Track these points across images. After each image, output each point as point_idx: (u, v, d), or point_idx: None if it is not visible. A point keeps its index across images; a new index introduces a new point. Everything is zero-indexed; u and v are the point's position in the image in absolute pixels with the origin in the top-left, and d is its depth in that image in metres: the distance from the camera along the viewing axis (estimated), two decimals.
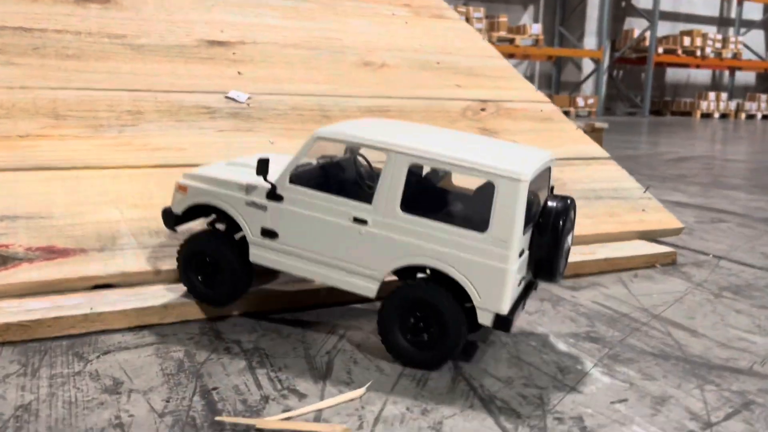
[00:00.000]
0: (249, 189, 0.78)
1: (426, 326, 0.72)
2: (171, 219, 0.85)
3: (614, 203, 1.29)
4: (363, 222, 0.73)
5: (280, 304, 0.88)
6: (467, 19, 5.97)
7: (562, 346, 0.80)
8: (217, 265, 0.81)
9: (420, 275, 0.75)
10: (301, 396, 0.65)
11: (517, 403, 0.66)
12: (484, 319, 0.69)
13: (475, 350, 0.77)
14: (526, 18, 7.19)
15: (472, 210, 0.75)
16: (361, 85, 1.42)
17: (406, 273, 0.75)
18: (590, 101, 6.77)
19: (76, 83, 1.16)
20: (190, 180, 0.84)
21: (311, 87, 1.36)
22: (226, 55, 1.37)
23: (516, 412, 0.64)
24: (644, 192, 1.34)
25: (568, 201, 0.72)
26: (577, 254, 1.11)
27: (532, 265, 0.72)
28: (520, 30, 6.54)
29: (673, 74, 8.12)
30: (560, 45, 7.40)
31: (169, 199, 0.88)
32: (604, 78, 7.33)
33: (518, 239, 0.67)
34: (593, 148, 1.46)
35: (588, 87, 7.51)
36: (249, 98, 1.27)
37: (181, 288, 0.86)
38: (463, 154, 0.70)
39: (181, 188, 0.84)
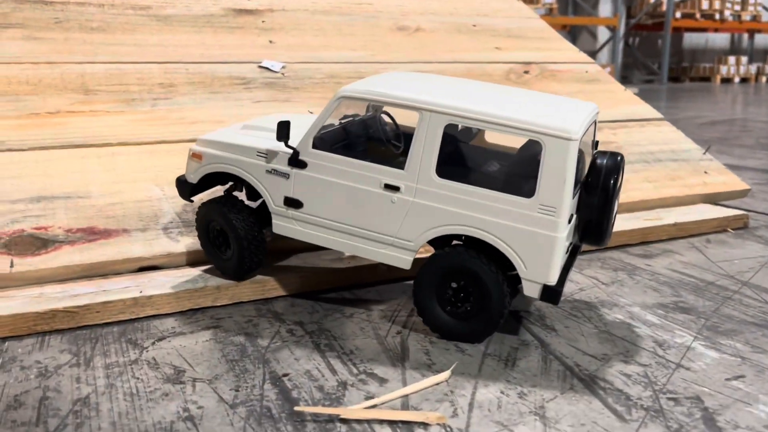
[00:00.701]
0: (270, 155, 0.72)
1: (466, 296, 0.66)
2: (186, 188, 0.79)
3: (675, 165, 1.21)
4: (395, 189, 0.66)
5: (337, 282, 0.82)
6: None
7: (652, 317, 0.73)
8: (226, 235, 0.76)
9: (456, 242, 0.68)
10: (382, 381, 0.60)
11: (622, 382, 0.59)
12: (531, 290, 0.63)
13: (556, 324, 0.71)
14: None
15: (516, 173, 0.68)
16: (397, 50, 1.34)
17: (441, 241, 0.68)
18: (607, 70, 6.61)
19: (103, 57, 1.10)
20: (205, 146, 0.77)
21: (347, 54, 1.28)
22: (255, 24, 1.30)
23: (624, 393, 0.57)
24: (704, 153, 1.26)
25: (618, 158, 0.65)
26: (642, 219, 1.04)
27: (579, 228, 0.66)
28: (533, 0, 6.37)
29: (690, 39, 7.91)
30: (575, 13, 7.22)
31: None
32: (620, 46, 7.15)
33: (569, 204, 0.60)
34: (645, 109, 1.37)
35: (603, 55, 7.33)
36: (283, 67, 1.20)
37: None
38: (506, 111, 0.63)
39: (195, 156, 0.78)
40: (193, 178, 0.78)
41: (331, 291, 0.81)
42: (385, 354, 0.65)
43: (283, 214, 0.73)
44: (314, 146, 0.70)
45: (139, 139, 0.96)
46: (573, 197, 0.62)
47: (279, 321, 0.72)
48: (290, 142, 0.70)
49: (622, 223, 1.02)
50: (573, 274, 0.87)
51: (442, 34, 1.44)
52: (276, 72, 1.18)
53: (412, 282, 0.84)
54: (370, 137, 0.76)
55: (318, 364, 0.63)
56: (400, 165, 0.66)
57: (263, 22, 1.31)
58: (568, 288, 0.82)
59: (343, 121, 0.76)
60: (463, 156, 0.72)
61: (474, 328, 0.66)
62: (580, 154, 0.64)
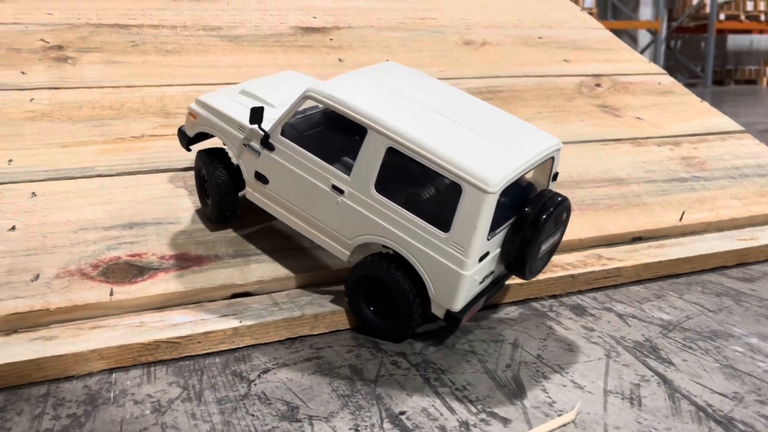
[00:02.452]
0: (247, 131, 0.78)
1: (385, 299, 0.71)
2: (184, 140, 0.88)
3: (763, 181, 1.16)
4: (340, 191, 0.71)
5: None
6: None
7: None
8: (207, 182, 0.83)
9: (387, 250, 0.72)
10: (505, 421, 0.57)
11: (764, 426, 0.56)
12: (437, 310, 0.68)
13: (673, 358, 0.67)
14: None
15: (440, 206, 0.69)
16: (466, 65, 1.32)
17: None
18: None
19: (180, 79, 1.10)
20: (200, 108, 0.84)
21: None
22: (323, 42, 1.29)
23: None
24: None
25: (549, 204, 0.67)
26: (736, 240, 1.00)
27: (504, 260, 0.69)
28: None
29: (734, 41, 7.71)
30: (614, 18, 7.10)
31: None
32: (662, 49, 7.01)
33: (478, 248, 0.64)
34: (725, 121, 1.32)
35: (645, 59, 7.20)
36: None
37: (326, 296, 0.79)
38: (440, 145, 0.65)
39: (191, 114, 0.85)
40: (190, 133, 0.86)
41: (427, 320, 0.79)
42: (500, 390, 0.62)
43: (253, 186, 0.79)
44: (282, 133, 0.74)
45: None
46: (497, 232, 0.66)
47: (380, 351, 0.71)
48: (264, 124, 0.76)
49: (715, 243, 0.98)
50: (675, 300, 0.84)
51: (508, 48, 1.42)
52: None
53: (504, 307, 0.81)
54: (331, 136, 0.78)
55: (433, 402, 0.61)
56: (349, 170, 0.71)
57: (331, 40, 1.31)
58: (675, 316, 0.79)
59: (313, 113, 0.79)
60: (403, 176, 0.72)
61: (390, 329, 0.72)
62: (525, 188, 0.70)
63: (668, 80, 1.43)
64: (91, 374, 0.66)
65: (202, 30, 1.23)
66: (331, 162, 0.72)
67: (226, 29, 1.25)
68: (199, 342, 0.70)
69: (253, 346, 0.72)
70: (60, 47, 1.12)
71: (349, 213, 0.71)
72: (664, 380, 0.64)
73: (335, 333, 0.75)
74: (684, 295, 0.85)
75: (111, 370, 0.67)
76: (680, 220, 1.02)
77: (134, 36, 1.17)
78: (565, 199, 0.69)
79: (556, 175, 0.73)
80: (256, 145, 0.76)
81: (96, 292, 0.74)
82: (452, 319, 0.67)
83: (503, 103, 1.23)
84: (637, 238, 1.00)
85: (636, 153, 1.16)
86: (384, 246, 0.70)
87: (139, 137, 0.97)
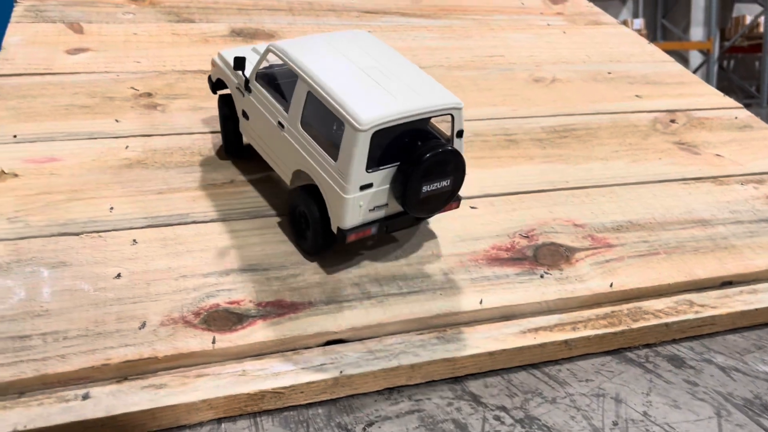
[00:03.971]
0: (238, 76, 0.96)
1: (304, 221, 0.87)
2: (210, 85, 1.04)
3: None
4: (282, 126, 0.88)
5: (526, 360, 0.80)
6: None
7: None
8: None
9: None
10: None
11: None
12: (333, 228, 0.83)
13: None
14: (625, 13, 6.86)
15: (336, 139, 0.81)
16: (538, 104, 1.32)
17: None
18: None
19: None
20: (218, 59, 1.02)
21: (489, 110, 1.28)
22: None
23: None
24: None
25: (432, 148, 0.78)
26: None
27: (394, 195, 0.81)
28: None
29: None
30: (664, 39, 7.00)
31: None
32: (715, 69, 6.87)
33: (356, 177, 0.77)
34: None
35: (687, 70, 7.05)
36: None
37: (419, 344, 0.79)
38: (341, 92, 0.78)
39: (212, 64, 1.03)
40: (213, 79, 1.04)
41: (519, 369, 0.79)
42: None
43: (242, 122, 0.98)
44: (256, 78, 0.92)
45: None
46: (381, 169, 0.79)
47: (480, 405, 0.70)
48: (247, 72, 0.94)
49: None
50: None
51: (578, 84, 1.42)
52: None
53: (599, 360, 0.80)
54: (287, 81, 0.91)
55: None
56: (288, 109, 0.87)
57: None
58: None
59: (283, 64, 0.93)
60: (319, 116, 0.85)
61: (307, 244, 0.88)
62: (427, 137, 0.80)
63: (745, 114, 1.40)
64: (201, 424, 0.68)
65: None
66: (281, 104, 0.88)
67: None
68: (302, 392, 0.72)
69: (352, 396, 0.73)
70: (149, 94, 1.17)
71: (286, 145, 0.88)
72: None
73: (431, 383, 0.76)
74: None
75: (219, 420, 0.68)
76: None
77: None
78: (450, 150, 0.80)
79: (460, 132, 0.84)
80: (242, 87, 0.95)
81: (199, 340, 0.76)
82: (341, 235, 0.82)
83: (579, 141, 1.22)
84: (727, 283, 0.97)
85: (719, 192, 1.14)
86: (306, 174, 0.86)
87: (228, 182, 1.01)
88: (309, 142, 0.83)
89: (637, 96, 1.41)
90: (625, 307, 0.89)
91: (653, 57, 1.58)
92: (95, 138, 1.05)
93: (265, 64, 0.93)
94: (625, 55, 1.56)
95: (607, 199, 1.09)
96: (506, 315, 0.86)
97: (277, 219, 0.95)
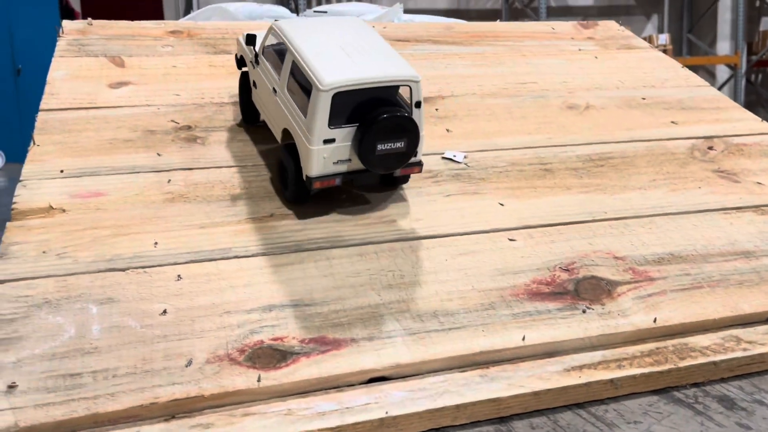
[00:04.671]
0: (251, 51, 1.11)
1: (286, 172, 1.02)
2: (236, 61, 1.20)
3: None
4: (275, 92, 1.02)
5: (571, 399, 0.79)
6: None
7: None
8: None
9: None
10: None
11: None
12: (304, 176, 0.96)
13: None
14: (650, 28, 6.82)
15: (308, 99, 0.93)
16: (573, 131, 1.32)
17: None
18: None
19: None
20: (241, 38, 1.15)
21: (524, 138, 1.28)
22: (430, 112, 1.32)
23: None
24: None
25: (386, 112, 0.91)
26: None
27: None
28: (646, 42, 6.19)
29: None
30: (689, 53, 6.94)
31: None
32: (743, 83, 6.78)
33: (318, 132, 0.91)
34: None
35: (724, 95, 6.96)
36: (465, 157, 1.21)
37: (462, 382, 0.79)
38: (316, 61, 0.92)
39: (237, 43, 1.20)
40: (237, 56, 1.20)
41: (565, 408, 0.78)
42: None
43: (253, 91, 1.13)
44: (263, 53, 1.07)
45: (347, 240, 0.99)
46: (343, 127, 0.92)
47: None
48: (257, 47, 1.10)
49: None
50: None
51: (613, 110, 1.41)
52: (459, 162, 1.19)
53: (646, 400, 0.79)
54: (284, 53, 1.03)
55: None
56: (279, 77, 1.01)
57: (437, 110, 1.34)
58: None
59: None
60: (299, 82, 0.97)
61: (288, 193, 1.03)
62: (388, 104, 0.93)
63: None
64: None
65: None
66: (276, 73, 1.02)
67: None
68: None
69: None
70: (189, 127, 1.19)
71: (277, 107, 1.01)
72: None
73: (476, 424, 0.75)
74: None
75: None
76: None
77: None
78: (402, 116, 0.92)
79: (418, 103, 0.97)
80: (253, 60, 1.10)
81: (244, 378, 0.77)
82: (309, 181, 0.95)
83: (615, 170, 1.22)
84: None
85: (762, 222, 1.12)
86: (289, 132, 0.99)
87: (268, 216, 1.02)
88: (291, 103, 0.97)
89: (673, 122, 1.39)
90: (670, 343, 0.88)
91: (688, 81, 1.56)
92: (138, 172, 1.07)
93: (273, 40, 1.07)
94: (659, 80, 1.55)
95: (646, 230, 1.07)
96: (549, 351, 0.86)
97: (318, 252, 0.96)
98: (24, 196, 1.00)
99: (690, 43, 6.95)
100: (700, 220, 1.11)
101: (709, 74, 6.96)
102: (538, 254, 1.00)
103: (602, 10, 6.51)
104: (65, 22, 1.47)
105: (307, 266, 0.94)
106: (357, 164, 0.95)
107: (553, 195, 1.14)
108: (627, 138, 1.32)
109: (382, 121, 0.91)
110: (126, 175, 1.06)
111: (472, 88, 1.42)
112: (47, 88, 1.24)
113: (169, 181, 1.06)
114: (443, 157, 1.19)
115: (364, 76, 0.91)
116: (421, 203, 1.08)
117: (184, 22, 1.59)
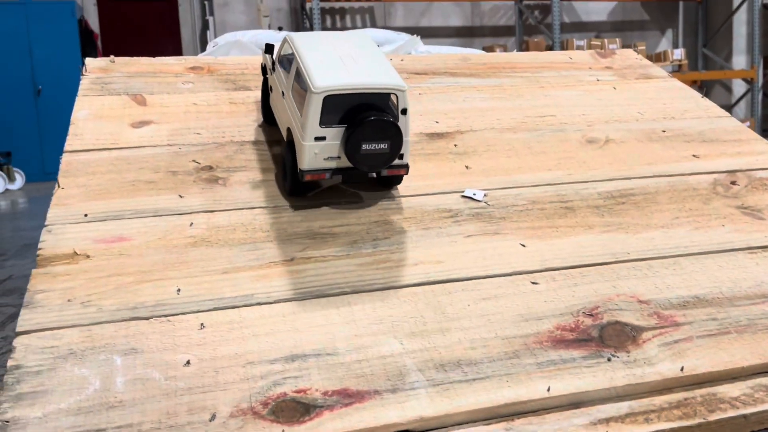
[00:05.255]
0: (268, 59, 1.25)
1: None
2: (262, 69, 1.31)
3: None
4: (283, 94, 1.12)
5: None
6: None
7: None
8: None
9: None
10: None
11: None
12: (298, 169, 1.05)
13: None
14: (665, 43, 6.79)
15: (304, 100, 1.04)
16: (593, 167, 1.31)
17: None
18: (746, 124, 6.20)
19: (321, 198, 1.15)
20: (260, 50, 1.30)
21: (544, 175, 1.27)
22: (448, 148, 1.32)
23: None
24: None
25: (372, 115, 1.00)
26: None
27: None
28: (661, 57, 6.17)
29: None
30: (705, 68, 6.89)
31: None
32: (759, 97, 6.72)
33: (310, 129, 1.00)
34: None
35: (741, 109, 6.90)
36: (485, 195, 1.20)
37: None
38: (315, 68, 1.02)
39: (261, 50, 1.29)
40: (262, 65, 1.31)
41: None
42: None
43: (270, 95, 1.24)
44: (278, 61, 1.19)
45: (369, 285, 0.99)
46: (333, 126, 1.01)
47: None
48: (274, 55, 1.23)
49: None
50: None
51: (633, 144, 1.40)
52: (479, 201, 1.19)
53: None
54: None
55: None
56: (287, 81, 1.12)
57: (455, 146, 1.34)
58: None
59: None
60: (301, 85, 1.06)
61: (287, 185, 1.13)
62: (376, 109, 1.02)
63: None
64: None
65: None
66: (286, 78, 1.12)
67: None
68: None
69: None
70: (210, 167, 1.20)
71: (284, 108, 1.11)
72: None
73: None
74: None
75: None
76: None
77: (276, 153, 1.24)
78: (386, 120, 1.00)
79: (404, 110, 1.04)
80: (269, 67, 1.23)
81: None
82: (301, 173, 1.04)
83: (637, 208, 1.21)
84: None
85: None
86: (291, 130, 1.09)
87: (289, 260, 1.02)
88: (293, 104, 1.06)
89: (694, 156, 1.38)
90: (698, 393, 0.87)
91: (708, 112, 1.55)
92: (160, 215, 1.08)
93: (287, 50, 1.16)
94: (679, 111, 1.53)
95: (670, 271, 1.06)
96: (575, 402, 0.85)
97: (338, 299, 0.96)
98: (49, 242, 1.01)
99: (705, 57, 6.91)
100: (726, 260, 1.10)
101: (725, 89, 6.91)
102: (561, 298, 0.99)
103: (616, 26, 6.50)
104: (88, 60, 1.49)
105: (329, 312, 0.94)
106: (345, 162, 1.04)
107: (575, 235, 1.13)
108: (648, 173, 1.31)
109: (367, 123, 1.00)
110: (149, 218, 1.07)
111: (491, 123, 1.42)
112: (71, 129, 1.26)
113: (192, 224, 1.07)
114: (462, 196, 1.19)
115: (354, 82, 1.01)
116: (442, 244, 1.08)
117: (203, 58, 1.61)
